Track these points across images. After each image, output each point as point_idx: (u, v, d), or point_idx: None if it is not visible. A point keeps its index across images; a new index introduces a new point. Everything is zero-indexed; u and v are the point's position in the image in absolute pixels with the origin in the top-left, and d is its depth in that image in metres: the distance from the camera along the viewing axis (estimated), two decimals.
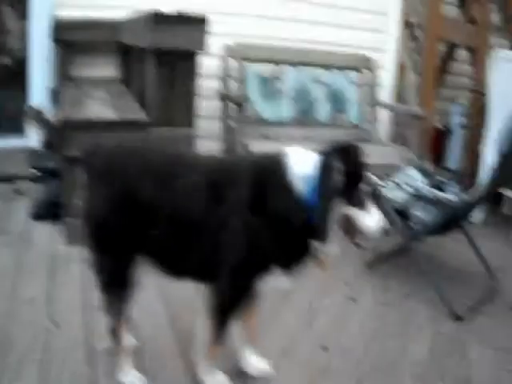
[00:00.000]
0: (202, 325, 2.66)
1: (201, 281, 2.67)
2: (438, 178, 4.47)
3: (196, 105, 4.61)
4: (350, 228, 2.52)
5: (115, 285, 2.62)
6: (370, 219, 2.47)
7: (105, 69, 6.23)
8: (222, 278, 2.54)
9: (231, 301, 2.59)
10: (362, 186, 2.45)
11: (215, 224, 2.48)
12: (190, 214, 2.51)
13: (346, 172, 2.37)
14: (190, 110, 4.59)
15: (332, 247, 2.54)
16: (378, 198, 4.20)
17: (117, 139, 2.93)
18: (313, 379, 3.05)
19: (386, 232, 2.56)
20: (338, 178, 2.36)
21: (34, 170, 5.13)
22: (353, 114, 6.28)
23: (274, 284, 2.59)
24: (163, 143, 3.50)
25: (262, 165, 2.56)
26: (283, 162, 2.46)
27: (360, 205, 2.46)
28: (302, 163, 2.44)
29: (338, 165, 2.36)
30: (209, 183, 2.52)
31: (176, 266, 2.65)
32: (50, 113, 5.60)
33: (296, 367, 3.14)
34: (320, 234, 2.45)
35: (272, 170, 2.48)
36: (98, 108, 4.49)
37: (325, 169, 2.39)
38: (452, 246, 4.94)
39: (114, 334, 2.68)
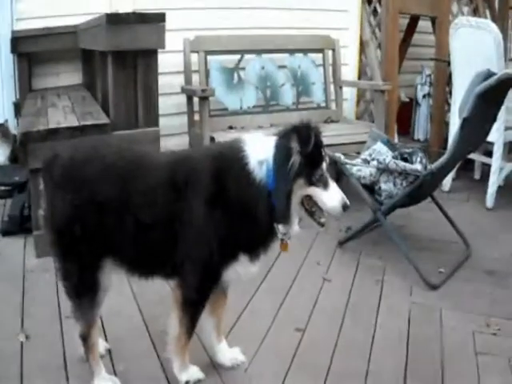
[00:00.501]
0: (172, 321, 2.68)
1: (169, 278, 2.70)
2: (405, 149, 4.50)
3: (158, 103, 4.60)
4: (313, 207, 2.53)
5: (82, 290, 2.61)
6: (332, 198, 2.47)
7: (68, 77, 6.20)
8: (187, 272, 2.55)
9: (198, 293, 2.60)
10: (322, 165, 2.46)
11: (177, 220, 2.50)
12: (150, 212, 2.52)
13: (303, 152, 2.37)
14: (154, 109, 4.58)
15: (293, 228, 2.56)
16: (345, 176, 4.29)
17: (75, 144, 2.94)
18: (288, 363, 3.08)
19: (346, 208, 2.54)
20: (294, 159, 2.36)
21: (1, 186, 5.11)
22: (318, 95, 6.31)
23: (241, 271, 2.61)
24: (124, 143, 3.50)
25: (219, 154, 2.57)
26: (241, 149, 2.47)
27: (321, 184, 2.46)
28: (260, 148, 2.45)
29: (293, 145, 2.36)
30: (167, 180, 2.53)
31: (142, 265, 2.66)
32: (13, 127, 5.64)
33: (272, 352, 3.17)
34: (280, 216, 2.46)
35: (230, 159, 2.49)
36: (61, 117, 4.48)
37: (279, 151, 2.40)
38: (424, 216, 4.99)
39: (86, 339, 2.68)
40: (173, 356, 2.74)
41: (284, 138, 2.41)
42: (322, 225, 2.58)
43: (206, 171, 2.50)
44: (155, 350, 3.04)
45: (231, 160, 2.49)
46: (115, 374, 2.82)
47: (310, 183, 2.45)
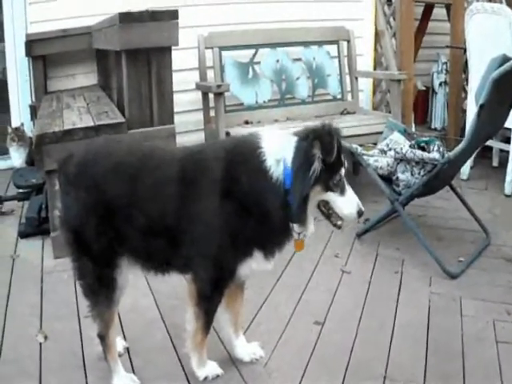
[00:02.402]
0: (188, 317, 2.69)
1: (183, 272, 2.70)
2: (422, 138, 4.48)
3: (173, 100, 4.60)
4: (329, 212, 2.53)
5: (99, 288, 2.62)
6: (348, 204, 2.48)
7: (84, 78, 6.26)
8: (201, 266, 2.56)
9: (213, 289, 2.60)
10: (341, 171, 2.45)
11: (190, 214, 2.50)
12: (164, 208, 2.52)
13: (326, 160, 2.35)
14: (169, 107, 4.58)
15: (309, 228, 2.54)
16: (362, 167, 4.28)
17: (88, 143, 2.95)
18: (307, 356, 3.08)
19: (361, 214, 2.53)
20: (316, 166, 2.34)
21: (18, 189, 5.15)
22: (334, 87, 6.28)
23: (255, 267, 2.61)
24: (136, 140, 3.50)
25: (234, 149, 2.56)
26: (257, 144, 2.45)
27: (338, 189, 2.45)
28: (278, 146, 2.44)
29: (315, 152, 2.34)
30: (181, 174, 2.53)
31: (156, 261, 2.67)
32: (29, 130, 5.69)
33: (291, 346, 3.17)
34: (296, 217, 2.45)
35: (245, 154, 2.48)
36: (76, 117, 4.51)
37: (301, 155, 2.37)
38: (442, 205, 4.98)
39: (103, 338, 2.70)
40: (191, 352, 2.75)
41: (306, 142, 2.38)
42: (339, 227, 2.58)
43: (219, 165, 2.49)
44: (173, 345, 3.05)
45: (247, 155, 2.48)
46: (133, 371, 2.84)
47: (328, 189, 2.44)
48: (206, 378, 2.76)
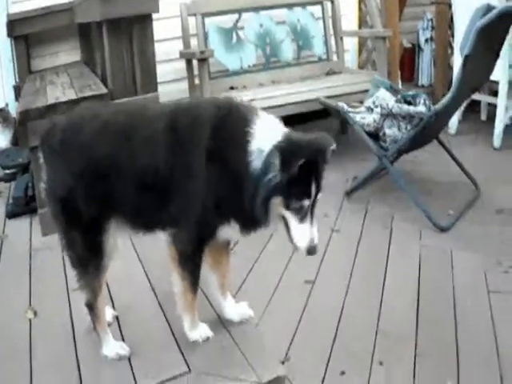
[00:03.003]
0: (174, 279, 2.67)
1: (168, 230, 2.65)
2: (408, 93, 4.45)
3: (156, 68, 4.56)
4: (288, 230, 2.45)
5: (87, 257, 2.60)
6: (301, 235, 2.39)
7: (67, 55, 6.18)
8: (184, 225, 2.53)
9: (193, 248, 2.57)
10: (305, 200, 2.34)
11: (178, 169, 2.46)
12: (154, 162, 2.48)
13: (283, 173, 2.27)
14: (152, 75, 4.54)
15: (273, 226, 2.50)
16: (349, 125, 4.26)
17: (72, 111, 2.88)
18: (299, 315, 3.09)
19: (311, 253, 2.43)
20: (273, 176, 2.29)
21: (5, 170, 5.12)
22: (319, 48, 6.22)
23: (233, 236, 2.62)
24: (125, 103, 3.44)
25: (226, 114, 2.48)
26: (249, 123, 2.40)
27: (297, 215, 2.36)
28: (267, 136, 2.37)
29: (275, 161, 2.28)
30: (170, 128, 2.48)
31: (146, 219, 2.64)
32: (14, 111, 5.64)
33: (282, 306, 3.18)
34: (256, 215, 2.39)
35: (234, 125, 2.43)
36: (59, 93, 4.46)
37: (266, 158, 2.32)
38: (431, 160, 4.96)
39: (92, 307, 2.68)
40: (182, 314, 2.73)
41: (275, 151, 2.30)
42: (295, 247, 2.47)
43: (208, 126, 2.44)
44: (163, 313, 3.03)
45: (236, 127, 2.42)
46: (123, 339, 2.82)
47: (287, 207, 2.35)
48: (197, 341, 2.74)
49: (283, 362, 2.76)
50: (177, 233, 2.56)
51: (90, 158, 2.50)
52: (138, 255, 3.63)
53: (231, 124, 2.45)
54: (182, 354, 2.63)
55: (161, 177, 2.49)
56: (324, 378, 2.68)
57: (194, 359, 2.59)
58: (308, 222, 2.38)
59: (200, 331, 2.77)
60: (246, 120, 2.42)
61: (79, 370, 2.60)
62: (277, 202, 2.34)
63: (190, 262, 2.60)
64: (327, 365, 2.76)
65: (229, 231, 2.54)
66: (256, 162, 2.35)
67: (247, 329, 2.89)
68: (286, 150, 2.27)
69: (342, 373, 2.71)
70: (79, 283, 2.68)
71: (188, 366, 2.54)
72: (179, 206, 2.50)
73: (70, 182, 2.53)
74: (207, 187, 2.43)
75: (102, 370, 2.60)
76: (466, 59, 3.82)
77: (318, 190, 2.35)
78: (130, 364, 2.59)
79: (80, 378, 2.55)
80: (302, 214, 2.36)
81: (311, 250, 2.40)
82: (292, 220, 2.37)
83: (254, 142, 2.36)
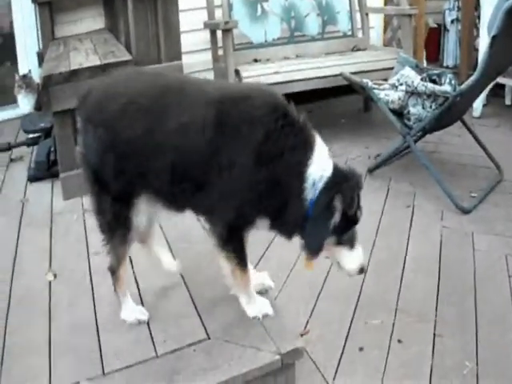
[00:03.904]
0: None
1: (202, 215, 2.62)
2: (433, 71, 4.40)
3: (180, 36, 4.52)
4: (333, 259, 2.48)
5: (115, 226, 2.56)
6: (352, 261, 2.42)
7: (91, 22, 6.12)
8: (221, 214, 2.45)
9: (232, 232, 2.49)
10: (355, 226, 2.37)
11: (223, 165, 2.36)
12: (195, 153, 2.38)
13: (345, 214, 2.27)
14: (176, 43, 4.50)
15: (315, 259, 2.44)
16: (373, 102, 4.21)
17: (109, 77, 2.75)
18: (318, 289, 3.10)
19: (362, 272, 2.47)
20: (336, 218, 2.27)
21: (28, 135, 5.11)
22: (344, 23, 6.15)
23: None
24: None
25: (283, 121, 2.33)
26: (310, 147, 2.32)
27: (348, 244, 2.39)
28: (322, 168, 2.31)
29: (337, 205, 2.25)
30: (219, 120, 2.36)
31: (177, 201, 2.57)
32: (37, 77, 5.62)
33: (301, 279, 3.19)
34: (308, 253, 2.37)
35: (297, 138, 2.33)
36: (82, 58, 4.43)
37: (325, 203, 2.27)
38: (454, 142, 4.93)
39: (114, 271, 2.65)
40: (237, 293, 2.64)
41: (330, 192, 2.26)
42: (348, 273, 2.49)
43: (261, 128, 2.31)
44: (183, 280, 2.98)
45: (297, 145, 2.32)
46: (142, 304, 2.77)
47: (339, 242, 2.37)
48: (255, 318, 2.62)
49: (302, 335, 2.76)
50: (214, 218, 2.51)
51: (121, 132, 2.43)
52: (162, 231, 3.60)
53: (291, 138, 2.33)
54: (202, 321, 2.60)
55: (198, 166, 2.40)
56: (342, 353, 2.68)
57: (213, 326, 2.55)
58: (356, 245, 2.41)
59: (259, 307, 2.66)
60: (307, 142, 2.33)
61: (98, 333, 2.58)
62: (330, 241, 2.35)
63: (231, 244, 2.52)
64: (346, 340, 2.77)
65: (261, 223, 2.48)
66: (309, 192, 2.30)
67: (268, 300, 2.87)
68: (347, 192, 2.27)
69: (361, 349, 2.72)
70: (104, 247, 2.64)
71: (207, 333, 2.51)
72: (215, 196, 2.41)
73: (100, 153, 2.48)
74: (251, 186, 2.35)
75: (120, 334, 2.57)
76: (494, 40, 3.76)
77: (361, 213, 2.36)
78: (149, 329, 2.56)
79: (99, 341, 2.53)
80: (351, 240, 2.39)
81: (362, 270, 2.45)
82: (343, 251, 2.40)
83: (310, 169, 2.29)
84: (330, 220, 2.28)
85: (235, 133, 2.33)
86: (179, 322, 2.61)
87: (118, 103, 2.44)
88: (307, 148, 2.31)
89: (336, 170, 2.33)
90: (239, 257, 2.55)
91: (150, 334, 2.54)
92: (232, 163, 2.33)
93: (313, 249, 2.34)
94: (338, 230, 2.32)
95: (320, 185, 2.28)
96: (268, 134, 2.29)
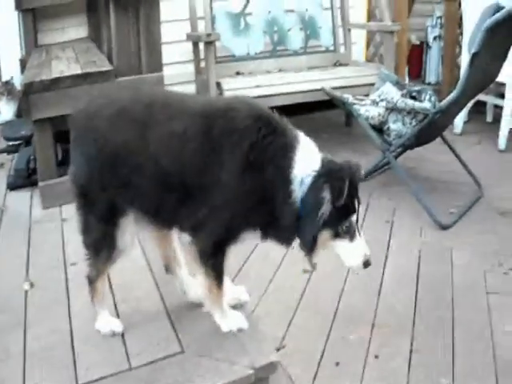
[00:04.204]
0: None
1: (187, 230, 2.54)
2: (414, 88, 4.42)
3: (161, 47, 4.52)
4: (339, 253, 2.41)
5: (100, 244, 2.53)
6: (354, 254, 2.36)
7: (74, 31, 6.11)
8: (208, 228, 2.41)
9: (216, 248, 2.46)
10: (352, 216, 2.31)
11: (205, 175, 2.35)
12: (177, 162, 2.37)
13: (334, 203, 2.22)
14: (158, 55, 4.51)
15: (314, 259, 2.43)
16: (354, 118, 4.22)
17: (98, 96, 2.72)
18: (296, 303, 3.08)
19: (367, 265, 2.39)
20: (324, 209, 2.22)
21: (8, 142, 5.06)
22: (327, 38, 6.18)
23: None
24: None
25: (267, 130, 2.32)
26: (293, 148, 2.30)
27: (347, 236, 2.33)
28: (308, 164, 2.28)
29: (325, 195, 2.21)
30: (200, 131, 2.35)
31: (163, 217, 2.53)
32: (19, 84, 5.58)
33: (279, 293, 3.17)
34: (304, 250, 2.35)
35: (278, 147, 2.31)
36: (64, 67, 4.41)
37: (313, 195, 2.25)
38: (435, 158, 4.93)
39: (92, 282, 2.62)
40: (210, 310, 2.61)
41: (318, 183, 2.24)
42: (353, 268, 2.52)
43: (247, 139, 2.30)
44: (158, 292, 2.95)
45: (279, 151, 2.30)
46: (118, 316, 2.75)
47: (336, 235, 2.32)
48: (230, 331, 2.60)
49: (278, 349, 2.74)
50: (199, 233, 2.47)
51: (106, 146, 2.41)
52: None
53: (274, 145, 2.31)
54: (176, 333, 2.57)
55: (183, 179, 2.38)
56: (319, 367, 2.66)
57: (187, 339, 2.52)
58: (357, 236, 2.35)
59: (233, 321, 2.63)
60: (289, 145, 2.31)
61: (72, 344, 2.55)
62: (325, 234, 2.29)
63: (212, 260, 2.49)
64: (322, 354, 2.75)
65: (251, 236, 2.46)
66: (298, 192, 2.27)
67: (243, 313, 2.84)
68: (334, 181, 2.22)
69: (337, 363, 2.69)
70: (87, 259, 2.61)
71: (181, 346, 2.48)
72: (202, 209, 2.39)
73: (86, 170, 2.47)
74: (238, 198, 2.33)
75: (95, 346, 2.55)
76: (474, 57, 3.80)
77: (359, 203, 2.31)
78: (124, 341, 2.53)
79: (73, 352, 2.49)
80: (351, 232, 2.33)
81: (367, 263, 2.38)
82: (342, 243, 2.33)
83: (295, 170, 2.27)
84: (317, 212, 2.23)
85: (220, 145, 2.32)
86: (154, 335, 2.58)
87: (101, 118, 2.44)
88: (290, 150, 2.29)
89: (325, 163, 2.29)
90: (218, 274, 2.52)
91: (125, 345, 2.51)
92: (218, 176, 2.32)
93: (307, 245, 2.31)
94: (332, 222, 2.26)
95: (308, 181, 2.26)
96: (252, 145, 2.28)
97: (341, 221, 2.28)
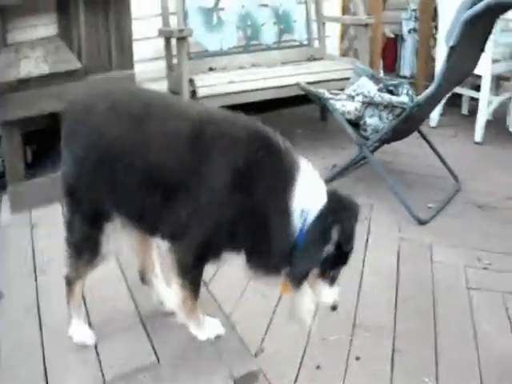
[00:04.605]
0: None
1: (167, 237, 2.47)
2: (390, 82, 4.39)
3: (132, 44, 4.43)
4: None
5: (81, 247, 2.47)
6: (329, 296, 2.37)
7: (44, 29, 5.99)
8: (189, 238, 2.35)
9: (195, 260, 2.41)
10: (343, 266, 2.33)
11: (195, 183, 2.28)
12: (163, 165, 2.30)
13: (340, 247, 2.22)
14: (128, 52, 4.42)
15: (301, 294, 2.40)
16: (329, 113, 4.16)
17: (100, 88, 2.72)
18: (275, 303, 3.02)
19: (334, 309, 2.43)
20: (329, 249, 2.21)
21: None
22: (301, 33, 6.11)
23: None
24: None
25: (263, 148, 2.27)
26: (293, 172, 2.24)
27: (329, 280, 2.34)
28: (309, 194, 2.24)
29: (334, 235, 2.19)
30: (196, 135, 2.28)
31: (147, 222, 2.47)
32: None
33: (254, 297, 3.08)
34: (293, 283, 2.32)
35: (275, 167, 2.26)
36: (32, 67, 4.32)
37: (320, 232, 2.21)
38: (412, 152, 4.91)
39: (70, 283, 2.55)
40: (185, 322, 2.56)
41: (328, 220, 2.20)
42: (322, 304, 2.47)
43: (241, 153, 2.25)
44: (133, 301, 2.89)
45: (275, 172, 2.26)
46: (90, 325, 2.68)
47: (323, 274, 2.32)
48: (207, 339, 2.57)
49: (257, 354, 2.67)
50: (179, 242, 2.40)
51: (101, 141, 2.35)
52: None
53: (268, 163, 2.26)
54: (152, 344, 2.52)
55: (170, 179, 2.32)
56: (299, 372, 2.59)
57: (163, 350, 2.47)
58: (336, 284, 2.37)
59: (210, 329, 2.61)
60: (288, 170, 2.25)
61: (43, 355, 2.48)
62: (315, 272, 2.29)
63: (192, 273, 2.45)
64: (302, 358, 2.68)
65: (234, 258, 2.40)
66: (298, 224, 2.23)
67: (219, 318, 2.78)
68: (345, 224, 2.22)
69: (318, 367, 2.63)
70: (68, 260, 2.53)
71: (157, 357, 2.43)
72: (185, 215, 2.32)
73: (74, 168, 2.42)
74: (221, 209, 2.28)
75: (67, 357, 2.48)
76: (452, 50, 3.74)
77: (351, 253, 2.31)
78: (97, 352, 2.47)
79: (44, 363, 2.43)
80: (334, 278, 2.35)
81: (335, 307, 2.41)
82: (322, 284, 2.35)
83: (296, 201, 2.22)
84: (322, 248, 2.21)
85: (212, 152, 2.26)
86: (128, 346, 2.52)
87: (92, 116, 2.38)
88: (289, 177, 2.24)
89: (332, 198, 2.27)
90: (194, 287, 2.48)
91: (98, 356, 2.44)
92: (203, 180, 2.26)
93: (298, 277, 2.27)
94: (328, 263, 2.26)
95: (312, 213, 2.21)
96: (243, 156, 2.23)
97: (334, 265, 2.29)
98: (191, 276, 2.46)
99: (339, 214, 2.23)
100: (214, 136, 2.28)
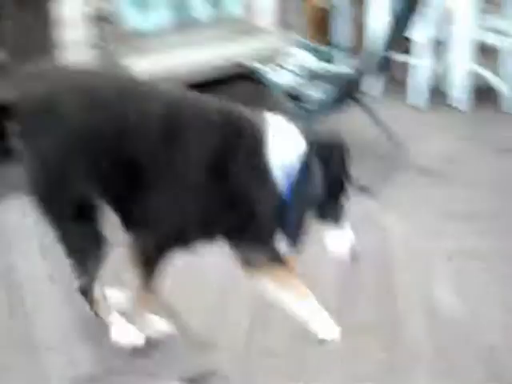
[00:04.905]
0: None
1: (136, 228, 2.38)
2: (326, 51, 4.39)
3: (58, 34, 4.34)
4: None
5: (83, 248, 2.36)
6: (339, 240, 2.30)
7: None
8: (156, 226, 2.28)
9: (158, 252, 2.32)
10: (342, 199, 2.25)
11: (166, 168, 2.21)
12: (137, 150, 2.21)
13: (328, 181, 2.17)
14: (53, 38, 4.32)
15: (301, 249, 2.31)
16: (266, 88, 4.11)
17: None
18: (225, 292, 2.94)
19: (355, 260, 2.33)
20: (317, 189, 2.15)
21: None
22: (233, 6, 5.98)
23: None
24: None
25: (234, 122, 2.24)
26: (262, 132, 2.18)
27: (333, 220, 2.27)
28: (283, 147, 2.17)
29: (319, 172, 2.14)
30: (164, 120, 2.21)
31: (126, 213, 2.36)
32: None
33: (204, 285, 2.99)
34: (291, 239, 2.24)
35: (248, 135, 2.20)
36: None
37: (306, 174, 2.15)
38: (353, 122, 4.80)
39: (87, 293, 2.44)
40: (133, 315, 2.48)
41: (313, 162, 2.15)
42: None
43: (215, 132, 2.19)
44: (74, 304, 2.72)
45: (249, 137, 2.19)
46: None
47: (323, 216, 2.26)
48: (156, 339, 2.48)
49: (207, 349, 2.54)
50: (143, 232, 2.30)
51: (68, 134, 2.21)
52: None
53: (243, 139, 2.20)
54: (96, 351, 2.43)
55: (144, 159, 2.22)
56: (252, 361, 2.50)
57: (108, 357, 2.40)
58: (343, 224, 2.31)
59: (155, 328, 2.51)
60: (257, 131, 2.20)
61: None
62: (312, 214, 2.22)
63: (149, 265, 2.33)
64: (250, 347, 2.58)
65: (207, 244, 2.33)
66: (279, 177, 2.16)
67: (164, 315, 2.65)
68: (330, 155, 2.20)
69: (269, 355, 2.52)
70: (74, 272, 2.42)
71: (102, 365, 2.35)
72: (155, 197, 2.23)
73: (47, 164, 2.25)
74: (201, 198, 2.20)
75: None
76: (396, 18, 3.93)
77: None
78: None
79: None
80: (337, 216, 2.29)
81: (354, 256, 2.34)
82: (327, 228, 2.30)
83: (272, 159, 2.16)
84: (307, 193, 2.16)
85: (184, 137, 2.19)
86: (69, 354, 2.43)
87: (61, 104, 2.23)
88: (258, 138, 2.18)
89: (312, 143, 2.20)
90: (152, 277, 2.37)
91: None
92: (180, 166, 2.20)
93: (293, 231, 2.21)
94: (322, 204, 2.21)
95: (294, 166, 2.15)
96: (221, 139, 2.19)
97: (329, 202, 2.23)
98: (150, 267, 2.34)
99: (323, 156, 2.18)
100: (190, 119, 2.22)
